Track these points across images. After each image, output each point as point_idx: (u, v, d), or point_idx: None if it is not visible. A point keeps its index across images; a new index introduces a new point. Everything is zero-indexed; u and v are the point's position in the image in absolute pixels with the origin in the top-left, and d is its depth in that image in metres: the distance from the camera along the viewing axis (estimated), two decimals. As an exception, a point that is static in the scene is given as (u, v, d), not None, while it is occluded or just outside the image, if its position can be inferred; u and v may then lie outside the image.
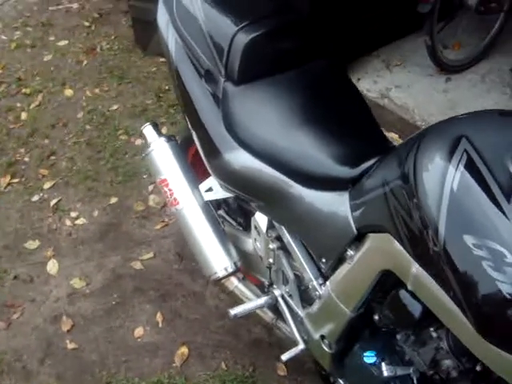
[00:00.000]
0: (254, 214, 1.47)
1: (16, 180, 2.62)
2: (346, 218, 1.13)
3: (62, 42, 3.60)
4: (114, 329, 2.00)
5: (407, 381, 1.15)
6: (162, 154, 1.62)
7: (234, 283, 1.56)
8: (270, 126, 1.32)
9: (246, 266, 1.61)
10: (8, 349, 1.96)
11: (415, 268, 0.97)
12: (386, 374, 1.16)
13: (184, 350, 1.91)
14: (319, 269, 1.29)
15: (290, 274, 1.40)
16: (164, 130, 2.73)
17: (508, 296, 0.81)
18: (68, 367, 1.90)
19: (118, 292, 2.11)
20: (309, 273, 1.30)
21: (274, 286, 1.53)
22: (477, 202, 0.87)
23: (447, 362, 1.08)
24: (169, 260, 2.21)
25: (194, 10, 1.47)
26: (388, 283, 1.09)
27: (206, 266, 1.55)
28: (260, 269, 1.58)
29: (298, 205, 1.25)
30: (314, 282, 1.29)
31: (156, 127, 1.69)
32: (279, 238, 1.41)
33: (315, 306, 1.33)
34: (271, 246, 1.43)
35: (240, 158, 1.34)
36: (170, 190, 1.59)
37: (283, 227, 1.36)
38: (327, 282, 1.25)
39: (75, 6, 3.99)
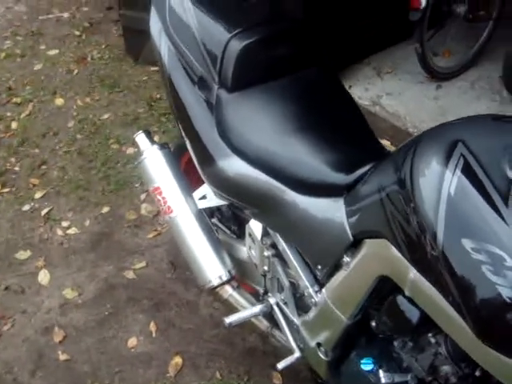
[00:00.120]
0: (248, 222, 1.46)
1: (6, 189, 2.60)
2: (341, 225, 1.13)
3: (53, 52, 3.59)
4: (107, 339, 1.97)
5: (405, 387, 1.15)
6: (154, 162, 1.61)
7: (229, 291, 1.55)
8: (264, 132, 1.32)
9: (241, 274, 1.60)
10: (-2, 361, 1.93)
11: (413, 273, 0.97)
12: (383, 381, 1.16)
13: (178, 359, 1.88)
14: (315, 276, 1.28)
15: (286, 282, 1.39)
16: (156, 139, 2.72)
17: (508, 300, 0.81)
18: (60, 379, 1.87)
19: (111, 302, 2.09)
20: (304, 280, 1.30)
21: (269, 294, 1.51)
22: (475, 205, 0.86)
23: (446, 368, 1.07)
24: (162, 269, 2.19)
25: (187, 18, 1.47)
26: (385, 289, 1.09)
27: (200, 275, 1.55)
28: (255, 277, 1.57)
29: (293, 211, 1.24)
30: (310, 290, 1.29)
31: (149, 135, 1.68)
32: (274, 246, 1.40)
33: (311, 314, 1.32)
34: (266, 253, 1.42)
35: (234, 165, 1.34)
36: (163, 198, 1.58)
37: (278, 234, 1.35)
38: (323, 289, 1.24)
39: (66, 15, 3.99)
